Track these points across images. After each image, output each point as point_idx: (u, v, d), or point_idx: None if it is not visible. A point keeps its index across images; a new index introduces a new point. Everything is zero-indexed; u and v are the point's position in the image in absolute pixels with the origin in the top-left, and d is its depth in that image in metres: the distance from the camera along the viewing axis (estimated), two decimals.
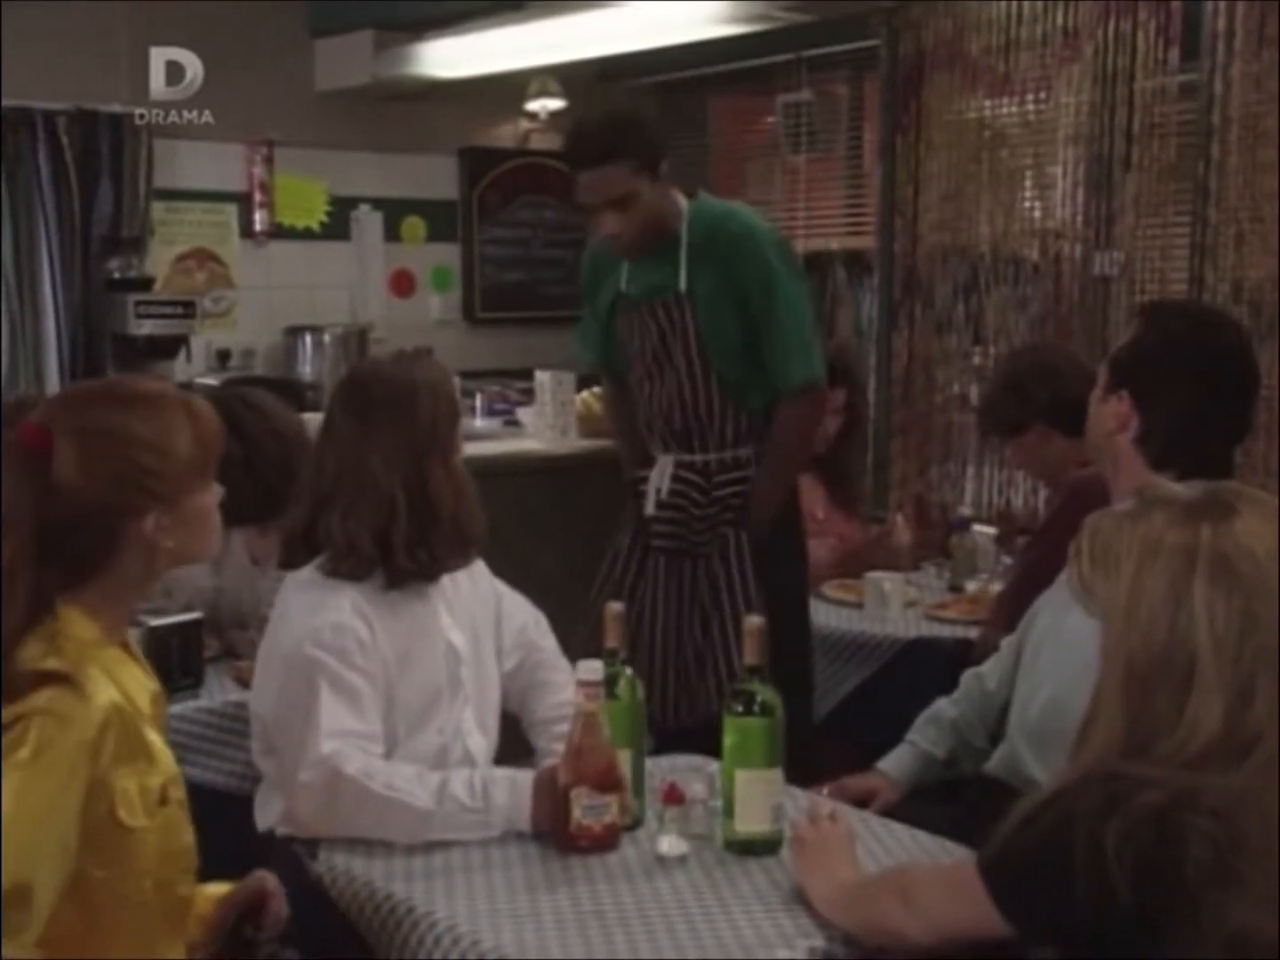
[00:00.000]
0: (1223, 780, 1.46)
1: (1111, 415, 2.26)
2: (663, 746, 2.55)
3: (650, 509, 3.21)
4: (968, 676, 2.57)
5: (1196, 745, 1.49)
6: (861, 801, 2.35)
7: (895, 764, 2.46)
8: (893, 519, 4.09)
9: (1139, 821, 1.45)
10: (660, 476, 3.21)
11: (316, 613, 2.21)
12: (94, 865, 1.58)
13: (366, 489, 2.22)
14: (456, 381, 5.14)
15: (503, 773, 2.15)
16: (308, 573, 2.27)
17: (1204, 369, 2.26)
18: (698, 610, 3.20)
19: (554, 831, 2.02)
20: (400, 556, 2.22)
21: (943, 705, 2.55)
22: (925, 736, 2.50)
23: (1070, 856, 1.47)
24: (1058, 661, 2.22)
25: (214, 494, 1.76)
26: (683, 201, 3.17)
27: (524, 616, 2.54)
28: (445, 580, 2.38)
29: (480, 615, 2.45)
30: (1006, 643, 2.55)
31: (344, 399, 2.32)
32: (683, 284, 3.11)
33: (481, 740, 2.40)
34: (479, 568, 2.50)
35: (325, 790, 2.07)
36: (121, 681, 1.63)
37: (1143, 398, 2.24)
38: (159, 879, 1.67)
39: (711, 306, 3.11)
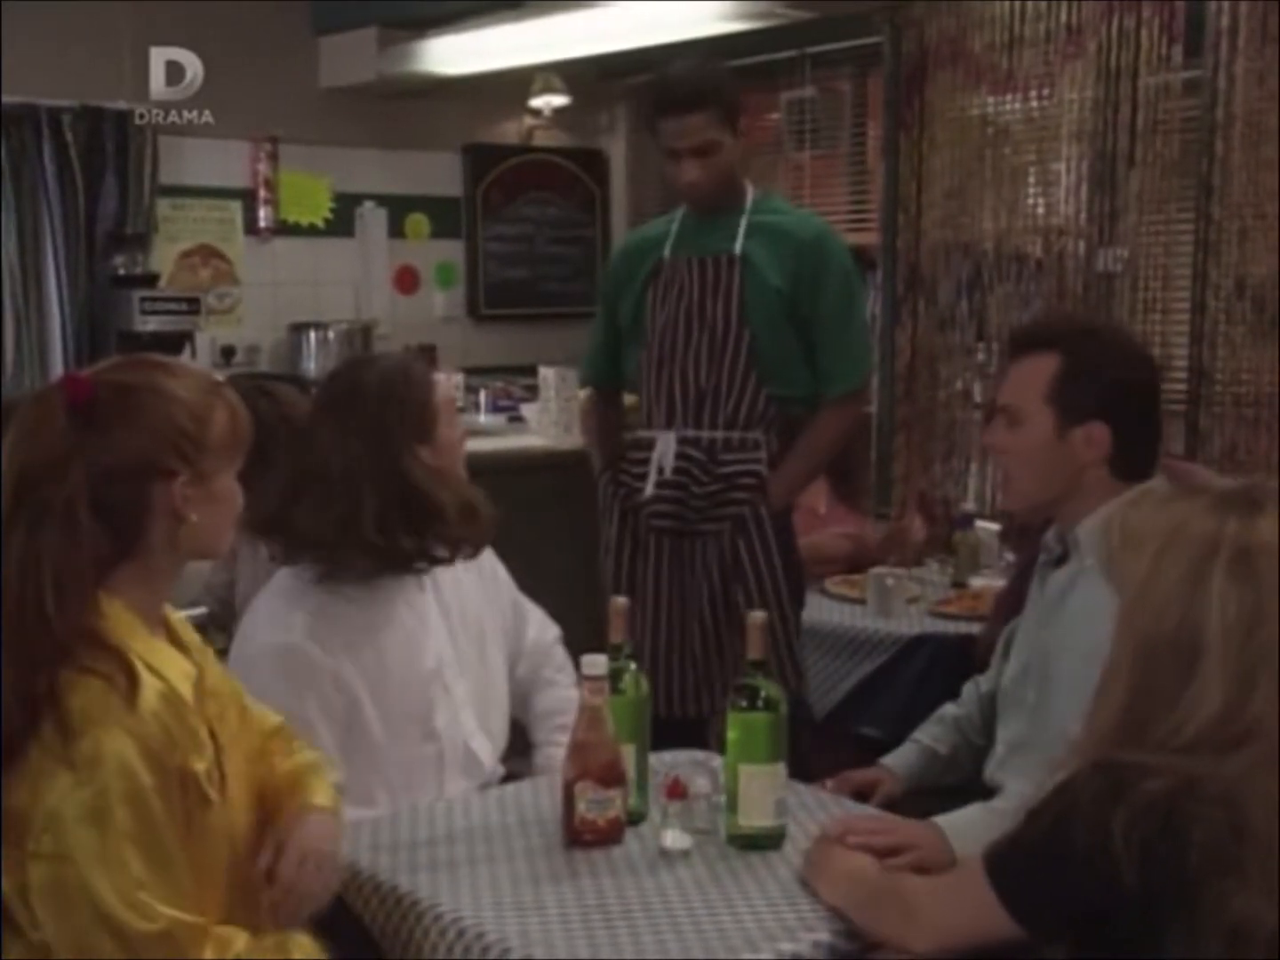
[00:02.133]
0: (1220, 768, 1.47)
1: (1084, 448, 2.24)
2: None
3: (650, 489, 3.17)
4: (969, 683, 2.59)
5: (1191, 730, 1.50)
6: (863, 795, 2.36)
7: (897, 759, 2.48)
8: (911, 517, 4.10)
9: (1145, 809, 1.46)
10: (663, 455, 3.17)
11: (270, 630, 2.26)
12: (185, 840, 1.62)
13: (330, 481, 2.27)
14: (458, 379, 5.13)
15: None
16: (286, 576, 2.32)
17: (1153, 383, 2.34)
18: (705, 593, 3.16)
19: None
20: (372, 535, 2.25)
21: (947, 706, 2.57)
22: (928, 734, 2.52)
23: (1075, 845, 1.48)
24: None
25: (238, 488, 1.79)
26: (747, 182, 3.23)
27: (539, 622, 2.60)
28: (447, 585, 2.40)
29: (490, 621, 2.47)
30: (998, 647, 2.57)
31: (318, 400, 2.44)
32: (737, 249, 3.13)
33: (486, 743, 2.41)
34: (499, 574, 2.54)
35: None
36: (163, 673, 1.66)
37: (1120, 424, 2.24)
38: (230, 855, 1.73)
39: (762, 280, 3.11)
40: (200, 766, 1.65)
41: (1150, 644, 1.56)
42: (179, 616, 1.84)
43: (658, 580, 3.20)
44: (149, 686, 1.61)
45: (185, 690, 1.68)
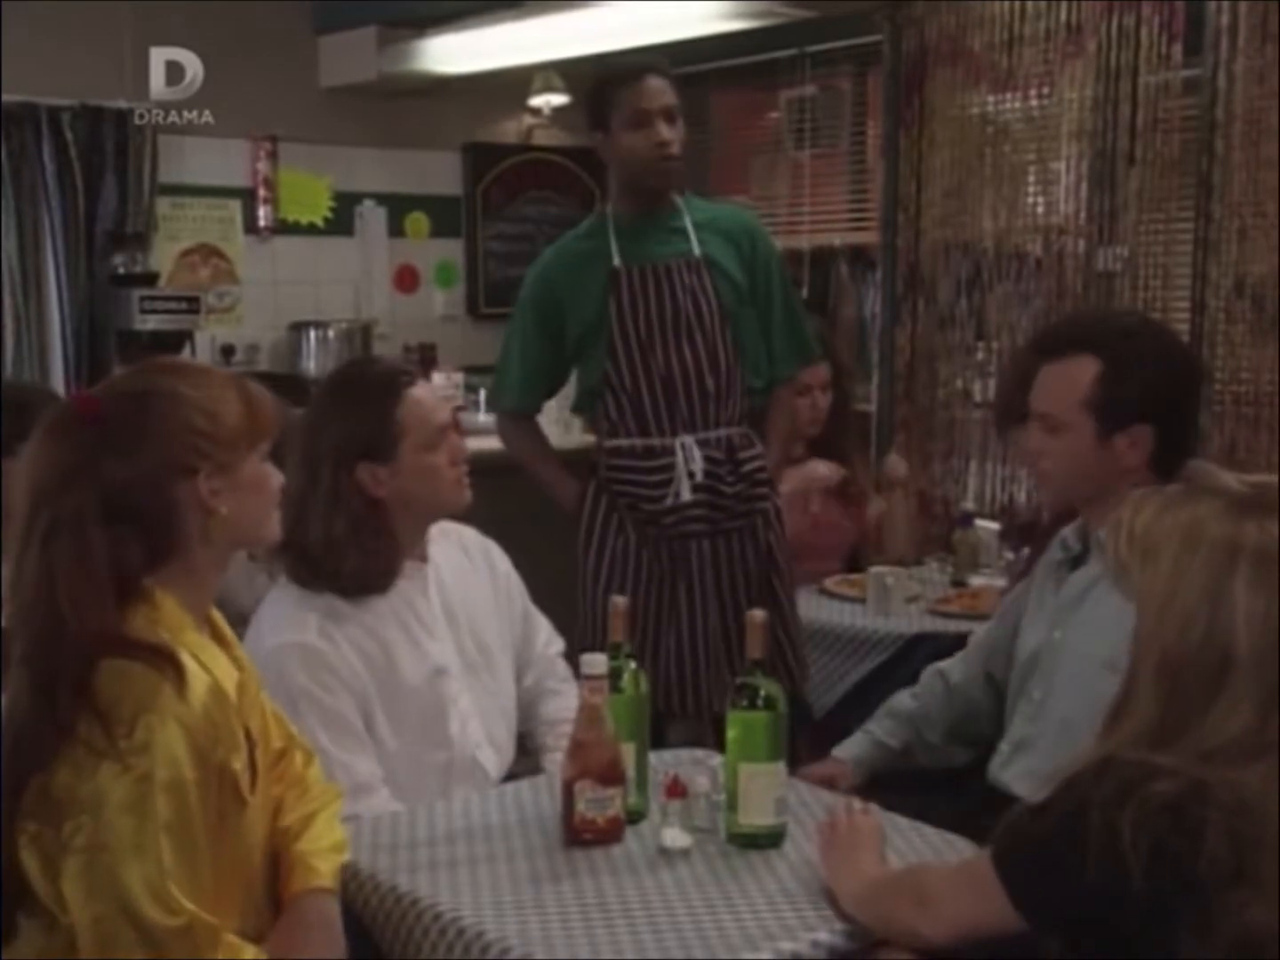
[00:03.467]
0: (1236, 774, 1.46)
1: (1127, 452, 2.23)
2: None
3: (686, 495, 3.12)
4: (929, 673, 2.58)
5: (1218, 741, 1.48)
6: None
7: (849, 750, 2.49)
8: (885, 457, 4.13)
9: (1156, 810, 1.45)
10: (689, 460, 3.12)
11: (283, 629, 2.25)
12: (213, 838, 1.64)
13: (292, 489, 2.24)
14: (457, 378, 5.07)
15: None
16: (287, 582, 2.32)
17: (1193, 379, 2.35)
18: (741, 588, 3.17)
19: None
20: (311, 560, 2.27)
21: (903, 698, 2.57)
22: (882, 727, 2.53)
23: (1084, 843, 1.47)
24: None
25: (271, 471, 1.81)
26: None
27: (546, 633, 2.61)
28: (455, 591, 2.40)
29: (499, 630, 2.47)
30: (974, 641, 2.56)
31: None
32: (697, 250, 3.14)
33: (492, 754, 2.41)
34: (512, 581, 2.55)
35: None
36: (210, 669, 1.68)
37: (1162, 423, 2.24)
38: (255, 858, 1.75)
39: (726, 276, 3.15)
40: (237, 765, 1.67)
41: (1175, 659, 1.52)
42: (219, 615, 1.85)
43: (702, 582, 3.16)
44: (198, 679, 1.64)
45: (229, 688, 1.71)
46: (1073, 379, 2.25)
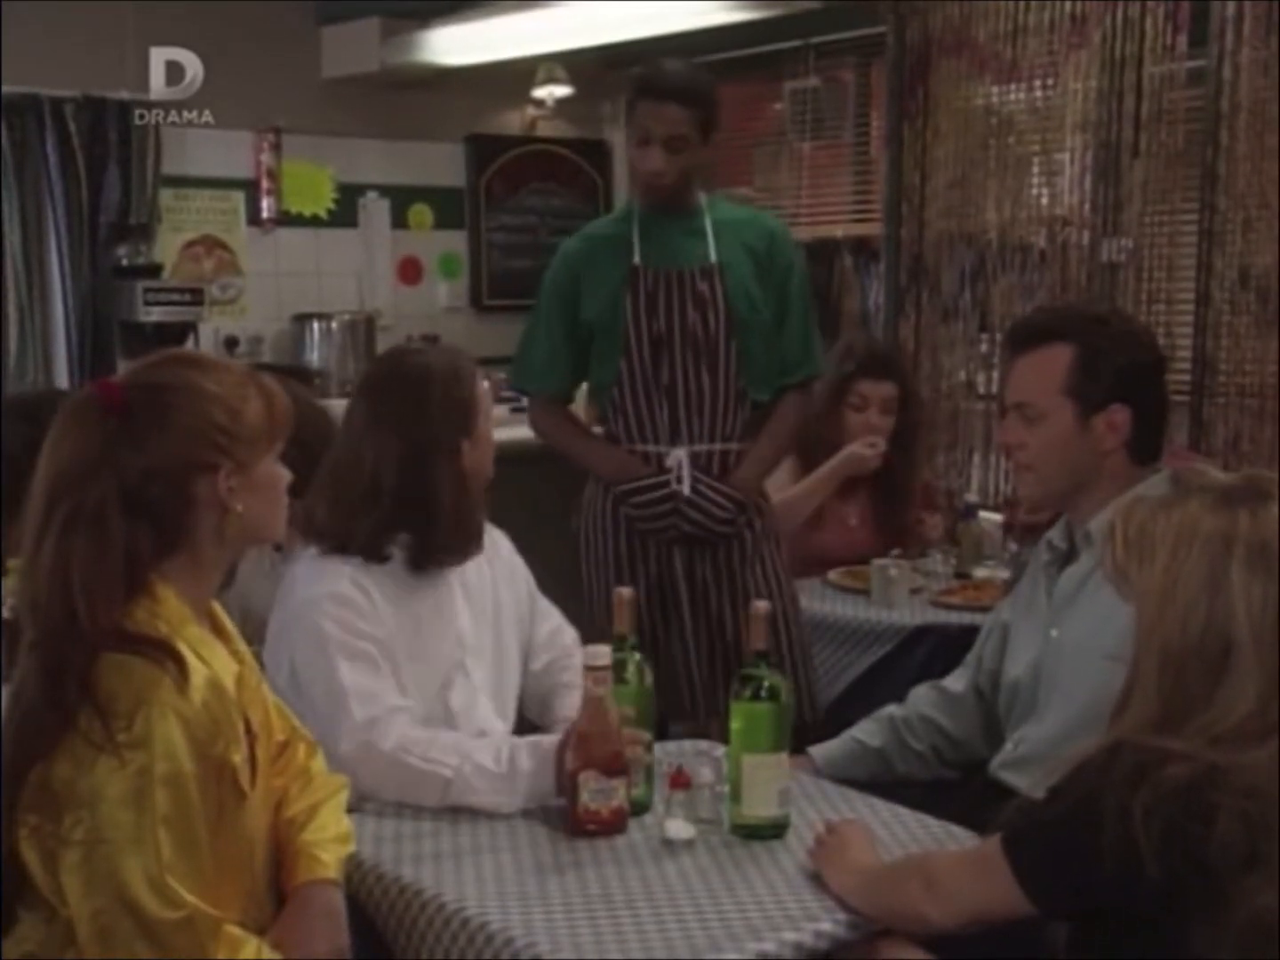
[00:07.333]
0: (1247, 757, 1.46)
1: (1106, 434, 2.26)
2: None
3: (686, 489, 3.11)
4: (922, 689, 2.57)
5: (1226, 725, 1.49)
6: None
7: (824, 748, 2.49)
8: (916, 510, 4.05)
9: (1169, 793, 1.45)
10: (679, 473, 3.11)
11: (316, 583, 2.26)
12: (212, 831, 1.64)
13: (359, 474, 2.28)
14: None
15: (527, 740, 2.19)
16: (314, 549, 2.31)
17: (1161, 364, 2.37)
18: (728, 599, 3.16)
19: (563, 815, 2.04)
20: (383, 542, 2.26)
21: (890, 707, 2.57)
22: (863, 729, 2.53)
23: (1097, 827, 1.47)
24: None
25: (283, 472, 1.81)
26: (700, 193, 3.21)
27: (557, 620, 2.60)
28: (471, 569, 2.40)
29: (508, 608, 2.47)
30: (967, 658, 2.56)
31: (360, 386, 2.42)
32: (713, 256, 3.12)
33: (501, 725, 2.41)
34: (516, 563, 2.54)
35: (362, 763, 2.11)
36: (209, 662, 1.69)
37: (1138, 404, 2.27)
38: (256, 851, 1.75)
39: (743, 284, 3.13)
40: (237, 759, 1.68)
41: (1177, 651, 1.53)
42: (218, 608, 1.85)
43: (703, 589, 3.17)
44: (198, 673, 1.64)
45: (228, 681, 1.71)
46: (1048, 366, 2.27)
